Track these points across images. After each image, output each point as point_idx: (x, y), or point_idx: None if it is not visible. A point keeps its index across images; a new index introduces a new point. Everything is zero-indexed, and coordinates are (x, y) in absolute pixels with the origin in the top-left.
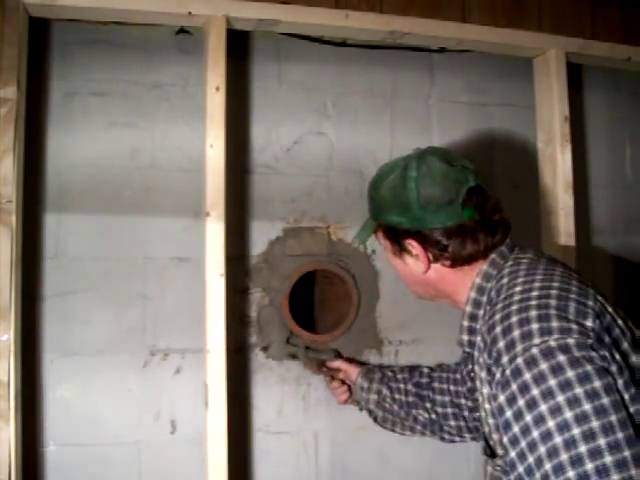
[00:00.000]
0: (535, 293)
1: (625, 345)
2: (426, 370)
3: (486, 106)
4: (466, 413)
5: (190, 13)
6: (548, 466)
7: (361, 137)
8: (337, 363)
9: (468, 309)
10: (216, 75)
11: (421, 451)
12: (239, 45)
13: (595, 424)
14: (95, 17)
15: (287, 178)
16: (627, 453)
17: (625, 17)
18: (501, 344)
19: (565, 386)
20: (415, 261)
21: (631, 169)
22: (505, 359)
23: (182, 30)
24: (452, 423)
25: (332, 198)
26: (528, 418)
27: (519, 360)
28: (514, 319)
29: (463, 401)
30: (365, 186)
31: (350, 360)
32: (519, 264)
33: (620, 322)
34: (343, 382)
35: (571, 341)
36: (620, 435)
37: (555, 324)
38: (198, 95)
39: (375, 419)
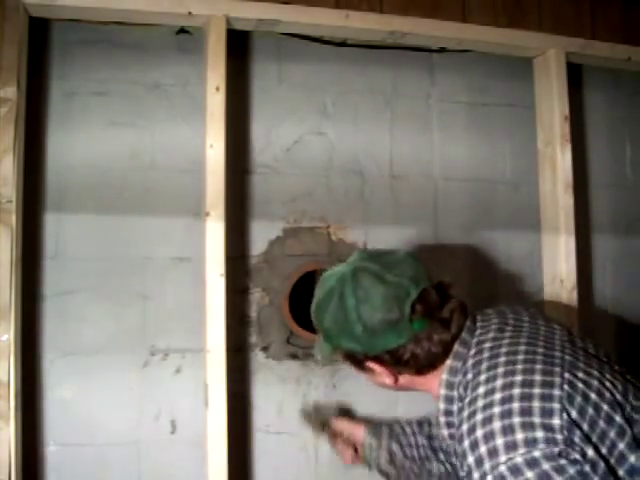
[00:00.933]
0: (497, 396)
1: (601, 424)
2: (434, 420)
3: (486, 106)
4: None
5: (190, 13)
6: None
7: (361, 137)
8: (342, 425)
9: (442, 406)
10: (216, 75)
11: None
12: (239, 45)
13: None
14: (95, 17)
15: (287, 178)
16: None
17: (625, 17)
18: (470, 460)
19: None
20: (381, 376)
21: (631, 169)
22: (476, 476)
23: (182, 30)
24: None
25: (332, 198)
26: None
27: (489, 479)
28: (479, 433)
29: None
30: (365, 186)
31: (353, 419)
32: (482, 351)
33: (593, 396)
34: (350, 444)
35: (537, 454)
36: None
37: (520, 436)
38: (198, 95)
39: (388, 478)
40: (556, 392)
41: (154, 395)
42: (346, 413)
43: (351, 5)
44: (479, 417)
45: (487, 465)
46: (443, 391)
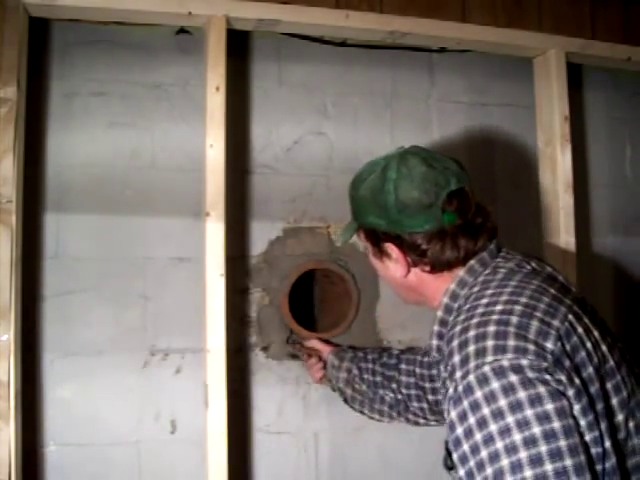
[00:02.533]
0: (499, 307)
1: (590, 371)
2: (395, 352)
3: (486, 106)
4: (430, 396)
5: (190, 13)
6: None
7: (361, 137)
8: (313, 342)
9: (439, 314)
10: (216, 75)
11: (421, 451)
12: (239, 45)
13: (543, 449)
14: (95, 17)
15: (287, 178)
16: None
17: (625, 17)
18: (456, 359)
19: (515, 407)
20: (395, 265)
21: (631, 169)
22: (458, 374)
23: (182, 30)
24: (415, 404)
25: (332, 198)
26: (478, 437)
27: (471, 377)
28: (471, 333)
29: (427, 384)
30: None
31: (327, 341)
32: (495, 273)
33: (589, 346)
34: (320, 361)
35: (525, 362)
36: (568, 462)
37: (511, 343)
38: (198, 95)
39: (345, 399)
40: (555, 323)
41: (154, 395)
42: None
43: (351, 5)
44: (475, 320)
45: (472, 364)
46: (446, 300)
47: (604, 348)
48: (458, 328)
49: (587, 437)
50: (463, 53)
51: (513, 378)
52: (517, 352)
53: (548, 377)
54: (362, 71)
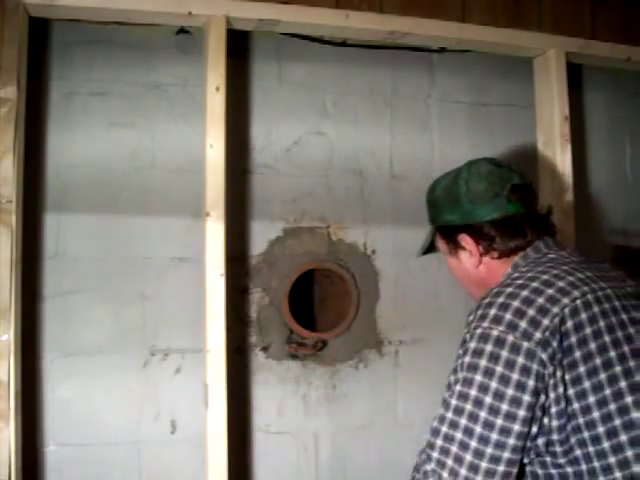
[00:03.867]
0: (518, 282)
1: (581, 370)
2: None
3: (486, 106)
4: None
5: (190, 13)
6: (442, 410)
7: (361, 137)
8: None
9: None
10: (216, 75)
11: None
12: (239, 45)
13: (482, 413)
14: (95, 17)
15: (287, 178)
16: (483, 464)
17: (625, 17)
18: (470, 318)
19: (479, 368)
20: (469, 256)
21: (631, 169)
22: (465, 330)
23: (182, 30)
24: None
25: (332, 198)
26: (458, 374)
27: (469, 332)
28: (485, 301)
29: None
30: (365, 186)
31: None
32: (539, 263)
33: (593, 346)
34: None
35: (510, 338)
36: (494, 436)
37: (508, 316)
38: (198, 95)
39: None
40: (565, 300)
41: (154, 395)
42: None
43: (351, 5)
44: (494, 290)
45: (474, 323)
46: (502, 279)
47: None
48: (483, 300)
49: (540, 441)
50: (463, 53)
51: (489, 347)
52: (508, 327)
53: (520, 359)
54: (362, 71)
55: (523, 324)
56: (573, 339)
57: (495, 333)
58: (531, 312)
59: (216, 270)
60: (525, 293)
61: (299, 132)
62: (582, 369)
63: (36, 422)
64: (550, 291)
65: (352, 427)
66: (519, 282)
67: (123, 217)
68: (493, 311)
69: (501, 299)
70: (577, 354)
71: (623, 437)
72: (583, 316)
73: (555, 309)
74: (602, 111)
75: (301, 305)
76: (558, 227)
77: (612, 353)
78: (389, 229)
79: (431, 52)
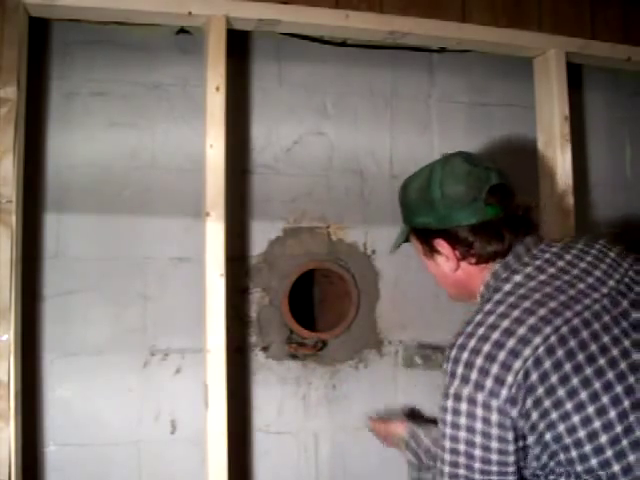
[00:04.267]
0: (480, 331)
1: (560, 393)
2: None
3: (486, 106)
4: None
5: (190, 13)
6: (438, 464)
7: (361, 137)
8: (392, 427)
9: (478, 301)
10: (216, 75)
11: None
12: (239, 45)
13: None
14: (95, 17)
15: (287, 178)
16: None
17: (625, 17)
18: (446, 366)
19: (456, 425)
20: (445, 260)
21: (631, 169)
22: (444, 386)
23: (182, 30)
24: None
25: (332, 198)
26: (447, 431)
27: (447, 391)
28: (453, 354)
29: None
30: (365, 186)
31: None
32: (515, 274)
33: (567, 368)
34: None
35: (479, 398)
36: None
37: (473, 377)
38: (198, 95)
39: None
40: (526, 352)
41: (154, 395)
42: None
43: (351, 5)
44: (460, 341)
45: (447, 381)
46: (482, 289)
47: (616, 352)
48: (454, 341)
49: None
50: (463, 53)
51: (464, 407)
52: (476, 387)
53: (494, 417)
54: (362, 71)
55: (489, 383)
56: (540, 391)
57: (466, 393)
58: (495, 369)
59: (216, 270)
60: (488, 347)
61: (299, 132)
62: (555, 421)
63: (36, 422)
64: (511, 342)
65: (352, 427)
66: (480, 331)
67: (123, 217)
68: (460, 370)
69: (465, 354)
70: (547, 404)
71: None
72: (547, 365)
73: (518, 362)
74: (602, 111)
75: (301, 305)
76: (558, 227)
77: (583, 395)
78: (389, 229)
79: (431, 52)
